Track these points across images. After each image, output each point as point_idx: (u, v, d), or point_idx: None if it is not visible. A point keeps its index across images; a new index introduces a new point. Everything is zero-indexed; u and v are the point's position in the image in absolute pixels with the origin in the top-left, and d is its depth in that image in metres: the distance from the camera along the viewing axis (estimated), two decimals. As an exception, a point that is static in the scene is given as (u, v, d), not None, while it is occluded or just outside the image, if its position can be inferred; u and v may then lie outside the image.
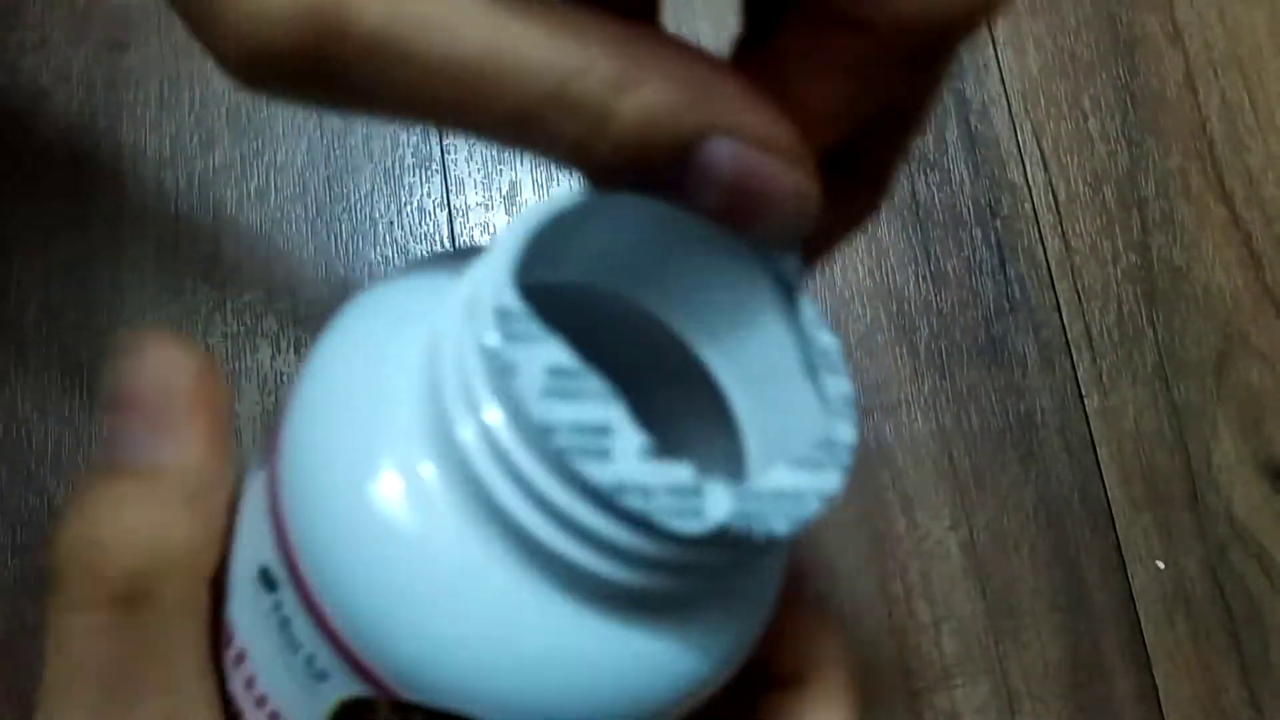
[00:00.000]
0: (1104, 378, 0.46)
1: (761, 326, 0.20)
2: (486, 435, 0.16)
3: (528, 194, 0.46)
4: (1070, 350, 0.46)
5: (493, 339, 0.16)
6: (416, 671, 0.17)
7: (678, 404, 0.22)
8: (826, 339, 0.19)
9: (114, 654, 0.19)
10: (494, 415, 0.16)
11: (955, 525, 0.44)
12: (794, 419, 0.19)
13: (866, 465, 0.44)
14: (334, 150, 0.46)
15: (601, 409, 0.16)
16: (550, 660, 0.17)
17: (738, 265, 0.19)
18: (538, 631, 0.17)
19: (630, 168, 0.17)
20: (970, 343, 0.46)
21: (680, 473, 0.16)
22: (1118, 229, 0.47)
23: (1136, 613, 0.44)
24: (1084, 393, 0.46)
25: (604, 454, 0.16)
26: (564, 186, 0.46)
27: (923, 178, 0.47)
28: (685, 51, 0.18)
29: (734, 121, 0.18)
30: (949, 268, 0.46)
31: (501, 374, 0.16)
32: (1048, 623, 0.43)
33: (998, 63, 0.48)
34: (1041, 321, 0.46)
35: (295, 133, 0.46)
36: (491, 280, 0.17)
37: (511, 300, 0.17)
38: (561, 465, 0.16)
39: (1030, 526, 0.44)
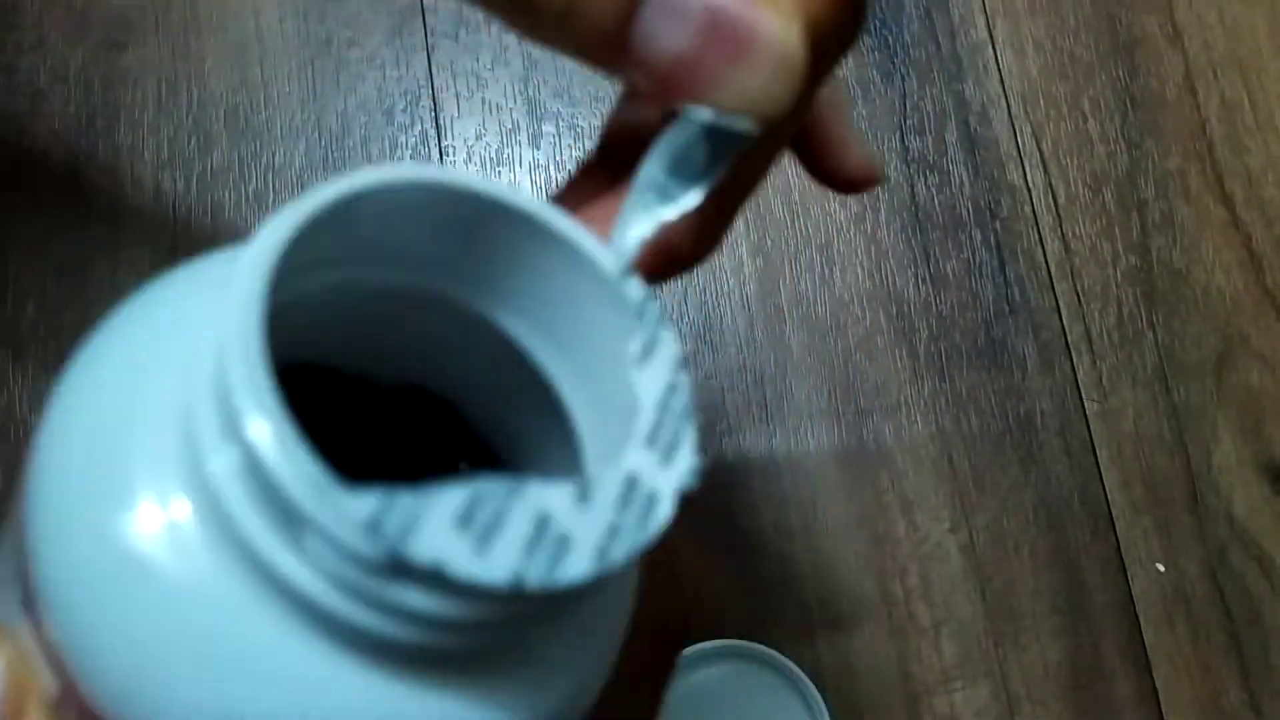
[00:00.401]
0: (1104, 380, 0.46)
1: (586, 313, 0.17)
2: (242, 461, 0.14)
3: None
4: (1070, 352, 0.46)
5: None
6: None
7: (516, 403, 0.20)
8: (637, 299, 0.17)
9: None
10: (258, 430, 0.14)
11: (955, 527, 0.44)
12: (624, 417, 0.17)
13: (866, 467, 0.44)
14: (332, 152, 0.46)
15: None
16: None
17: (557, 253, 0.17)
18: (304, 692, 0.15)
19: (586, 13, 0.16)
20: (970, 345, 0.46)
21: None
22: (1117, 231, 0.47)
23: (1136, 615, 0.44)
24: (1084, 395, 0.45)
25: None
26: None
27: (922, 180, 0.47)
28: None
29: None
30: (948, 270, 0.46)
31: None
32: (1047, 625, 0.43)
33: (997, 64, 0.48)
34: (1041, 323, 0.46)
35: (293, 135, 0.46)
36: (241, 315, 0.14)
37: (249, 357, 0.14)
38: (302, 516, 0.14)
39: (1030, 529, 0.44)
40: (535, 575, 0.14)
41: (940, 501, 0.44)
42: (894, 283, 0.46)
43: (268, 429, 0.14)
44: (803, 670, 0.41)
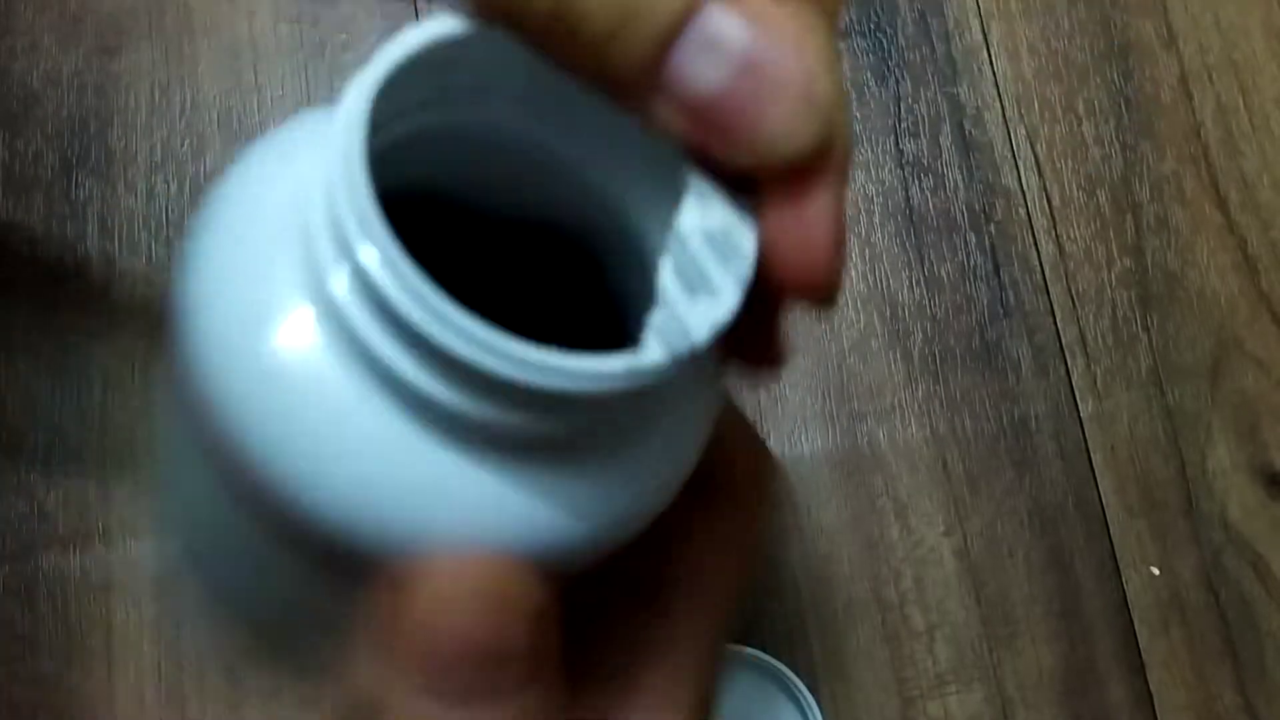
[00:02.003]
0: (1098, 383, 0.46)
1: (670, 190, 0.19)
2: (355, 281, 0.17)
3: (520, 199, 0.46)
4: (1064, 355, 0.46)
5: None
6: (312, 516, 0.18)
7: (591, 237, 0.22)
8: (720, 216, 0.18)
9: None
10: (367, 255, 0.16)
11: (949, 531, 0.44)
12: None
13: (860, 471, 0.44)
14: (326, 155, 0.46)
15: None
16: (427, 501, 0.17)
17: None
18: (414, 475, 0.17)
19: (624, 44, 0.17)
20: (964, 348, 0.46)
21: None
22: (1112, 233, 0.47)
23: (1131, 618, 0.43)
24: (1078, 398, 0.45)
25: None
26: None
27: (916, 183, 0.47)
28: None
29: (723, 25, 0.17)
30: (943, 273, 0.46)
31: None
32: (1042, 629, 0.43)
33: (991, 67, 0.48)
34: (1035, 326, 0.46)
35: (287, 137, 0.46)
36: (346, 140, 0.17)
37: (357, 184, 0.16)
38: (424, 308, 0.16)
39: (1024, 532, 0.44)
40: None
41: (934, 505, 0.44)
42: (888, 286, 0.46)
43: (375, 252, 0.16)
44: (796, 674, 0.41)
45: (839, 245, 0.18)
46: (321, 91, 0.47)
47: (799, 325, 0.45)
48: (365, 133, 0.17)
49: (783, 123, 0.17)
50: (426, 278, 0.16)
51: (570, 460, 0.18)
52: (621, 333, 0.21)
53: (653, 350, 0.17)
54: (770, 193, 0.18)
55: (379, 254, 0.16)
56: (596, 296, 0.23)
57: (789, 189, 0.18)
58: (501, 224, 0.23)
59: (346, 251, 0.16)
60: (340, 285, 0.17)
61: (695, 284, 0.18)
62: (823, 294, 0.18)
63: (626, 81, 0.17)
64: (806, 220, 0.18)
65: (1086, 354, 0.46)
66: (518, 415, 0.17)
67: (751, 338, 0.19)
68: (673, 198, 0.19)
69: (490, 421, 0.17)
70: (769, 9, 0.17)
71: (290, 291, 0.18)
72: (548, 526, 0.18)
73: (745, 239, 0.18)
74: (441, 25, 0.18)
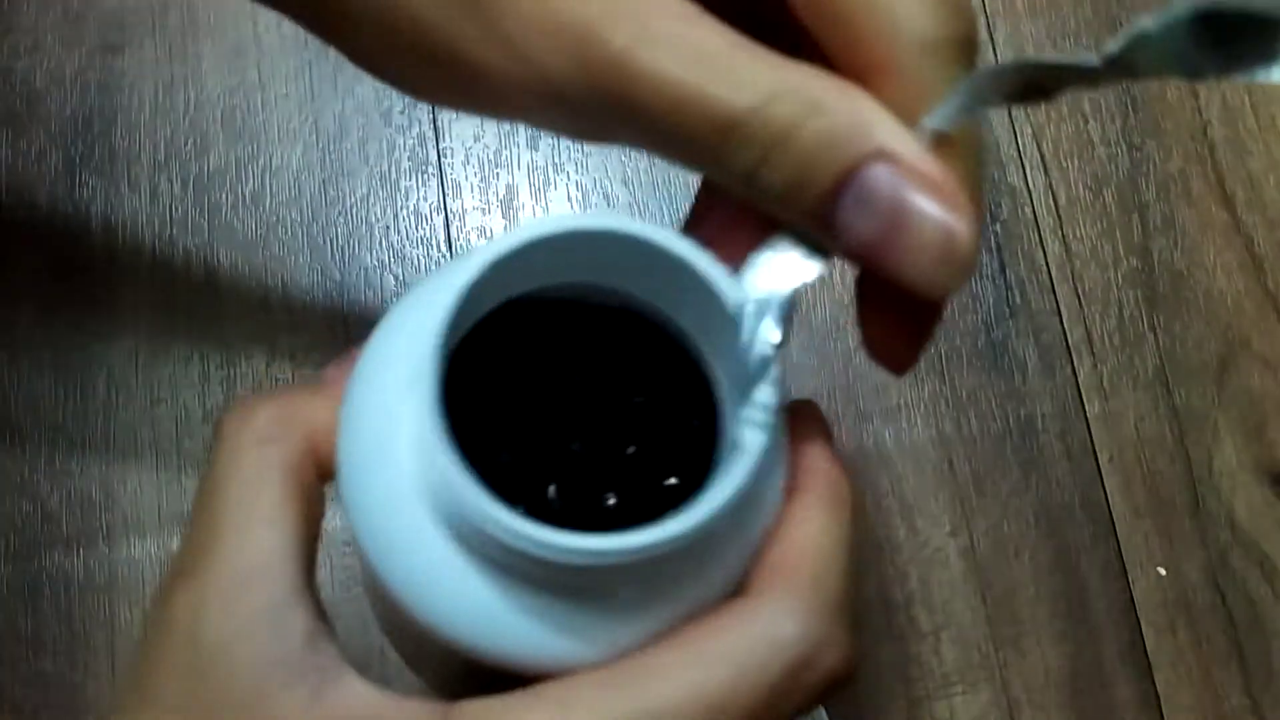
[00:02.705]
0: (1105, 383, 0.45)
1: (714, 322, 0.23)
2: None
3: (524, 198, 0.46)
4: (1071, 355, 0.46)
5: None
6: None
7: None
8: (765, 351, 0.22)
9: (240, 474, 0.24)
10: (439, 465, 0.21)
11: (955, 531, 0.44)
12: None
13: (865, 471, 0.44)
14: (329, 154, 0.46)
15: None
16: (489, 630, 0.22)
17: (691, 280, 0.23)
18: (481, 609, 0.22)
19: (795, 200, 0.21)
20: (970, 347, 0.45)
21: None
22: (1118, 233, 0.47)
23: (1138, 619, 0.43)
24: (1085, 398, 0.45)
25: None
26: (558, 191, 0.46)
27: (922, 181, 0.47)
28: (850, 86, 0.21)
29: (894, 151, 0.20)
30: (949, 272, 0.46)
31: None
32: (1048, 630, 0.43)
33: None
34: (1042, 326, 0.46)
35: (290, 136, 0.46)
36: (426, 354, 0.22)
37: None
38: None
39: (1030, 533, 0.44)
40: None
41: (940, 506, 0.44)
42: (894, 285, 0.46)
43: (446, 464, 0.21)
44: (802, 675, 0.41)
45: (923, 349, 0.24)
46: (325, 90, 0.47)
47: (803, 328, 0.45)
48: (443, 359, 0.21)
49: (925, 274, 0.21)
50: (475, 479, 0.21)
51: (599, 600, 0.22)
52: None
53: (663, 528, 0.20)
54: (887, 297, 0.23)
55: (445, 467, 0.21)
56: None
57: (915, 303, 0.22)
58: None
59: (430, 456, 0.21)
60: (441, 466, 0.21)
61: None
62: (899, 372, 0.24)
63: (810, 225, 0.21)
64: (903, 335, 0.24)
65: (1093, 353, 0.46)
66: (564, 575, 0.21)
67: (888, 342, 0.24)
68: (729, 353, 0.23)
69: (550, 578, 0.21)
70: (921, 165, 0.20)
71: (402, 450, 0.22)
72: (558, 651, 0.22)
73: (752, 447, 0.21)
74: (528, 230, 0.22)
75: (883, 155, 0.20)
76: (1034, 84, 0.21)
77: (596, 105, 0.21)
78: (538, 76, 0.22)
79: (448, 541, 0.22)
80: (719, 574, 0.23)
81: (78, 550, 0.41)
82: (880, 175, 0.20)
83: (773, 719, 0.22)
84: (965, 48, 0.22)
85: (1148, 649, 0.43)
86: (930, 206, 0.20)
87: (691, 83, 0.20)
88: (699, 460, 0.25)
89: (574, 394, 0.26)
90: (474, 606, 0.22)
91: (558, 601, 0.22)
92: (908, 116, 0.21)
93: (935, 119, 0.21)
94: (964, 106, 0.21)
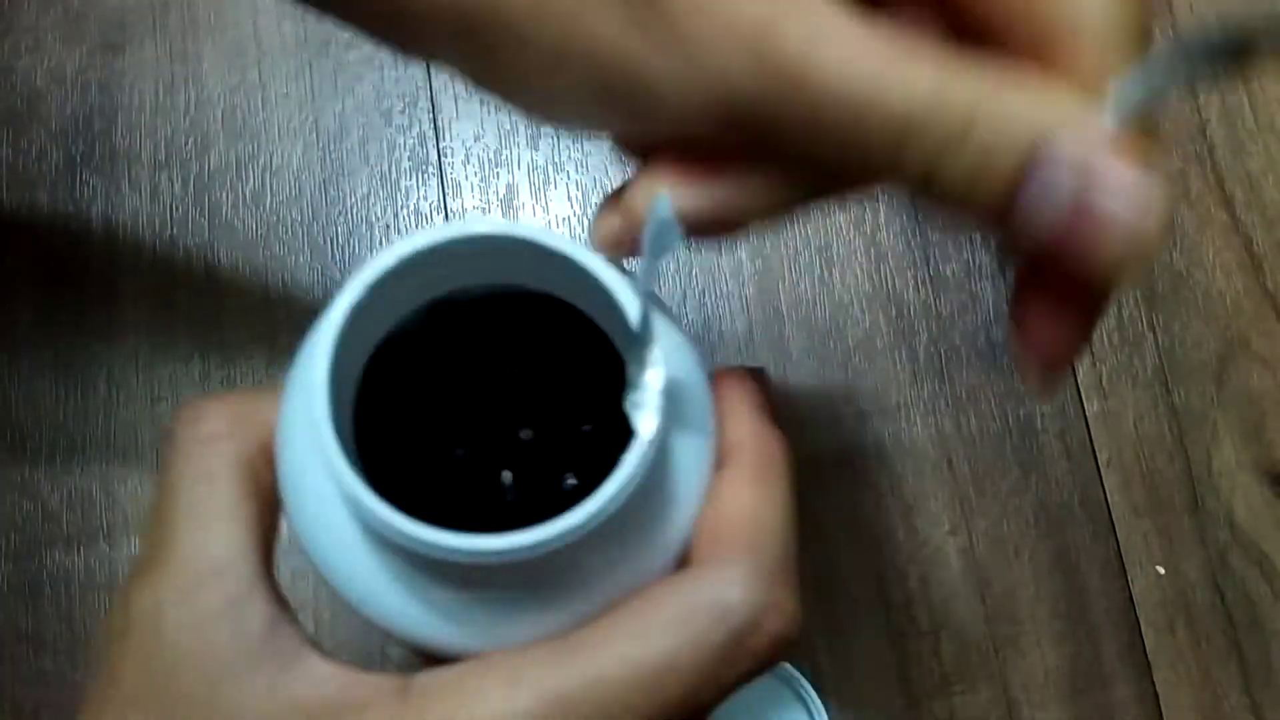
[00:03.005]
0: (1104, 382, 0.46)
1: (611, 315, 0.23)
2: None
3: (525, 197, 0.46)
4: (1070, 355, 0.46)
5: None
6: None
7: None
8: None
9: (192, 472, 0.24)
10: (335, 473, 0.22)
11: (955, 531, 0.44)
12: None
13: (865, 470, 0.44)
14: (329, 153, 0.46)
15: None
16: (419, 622, 0.23)
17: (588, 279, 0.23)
18: (406, 603, 0.23)
19: (977, 195, 0.20)
20: (969, 347, 0.45)
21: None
22: (1118, 233, 0.47)
23: (1137, 619, 0.43)
24: (1084, 397, 0.45)
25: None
26: (557, 190, 0.46)
27: (922, 181, 0.47)
28: (1022, 70, 0.21)
29: (1077, 134, 0.20)
30: (948, 272, 0.46)
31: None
32: (1047, 629, 0.43)
33: (997, 66, 0.48)
34: (1041, 326, 0.46)
35: (291, 136, 0.46)
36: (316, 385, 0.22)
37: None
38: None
39: (1030, 532, 0.44)
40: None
41: (940, 505, 0.44)
42: (893, 285, 0.46)
43: (345, 477, 0.22)
44: (802, 674, 0.41)
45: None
46: (325, 89, 0.47)
47: (803, 328, 0.45)
48: (331, 372, 0.22)
49: (1112, 262, 0.20)
50: (367, 488, 0.21)
51: (530, 588, 0.23)
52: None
53: (553, 525, 0.21)
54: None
55: (340, 477, 0.21)
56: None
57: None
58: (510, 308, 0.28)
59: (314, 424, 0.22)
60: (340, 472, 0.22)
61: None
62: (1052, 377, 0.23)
63: (987, 222, 0.21)
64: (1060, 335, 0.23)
65: (1092, 353, 0.46)
66: (475, 574, 0.22)
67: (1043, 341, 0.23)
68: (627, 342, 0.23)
69: (465, 575, 0.22)
70: (1106, 147, 0.20)
71: (314, 459, 0.23)
72: (512, 639, 0.23)
73: (638, 444, 0.22)
74: (414, 240, 0.23)
75: (1064, 140, 0.19)
76: (1231, 52, 0.19)
77: (770, 109, 0.21)
78: (717, 82, 0.21)
79: (375, 551, 0.23)
80: (647, 558, 0.23)
81: (78, 549, 0.41)
82: (1064, 160, 0.19)
83: (719, 685, 0.22)
84: (1143, 34, 0.21)
85: (1147, 648, 0.43)
86: (1119, 191, 0.19)
87: (868, 80, 0.20)
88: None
89: (511, 382, 0.27)
90: (395, 602, 0.23)
91: (486, 598, 0.23)
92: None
93: (1118, 107, 0.20)
94: (1147, 92, 0.20)
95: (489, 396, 0.28)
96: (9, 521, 0.41)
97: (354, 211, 0.45)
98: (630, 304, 0.22)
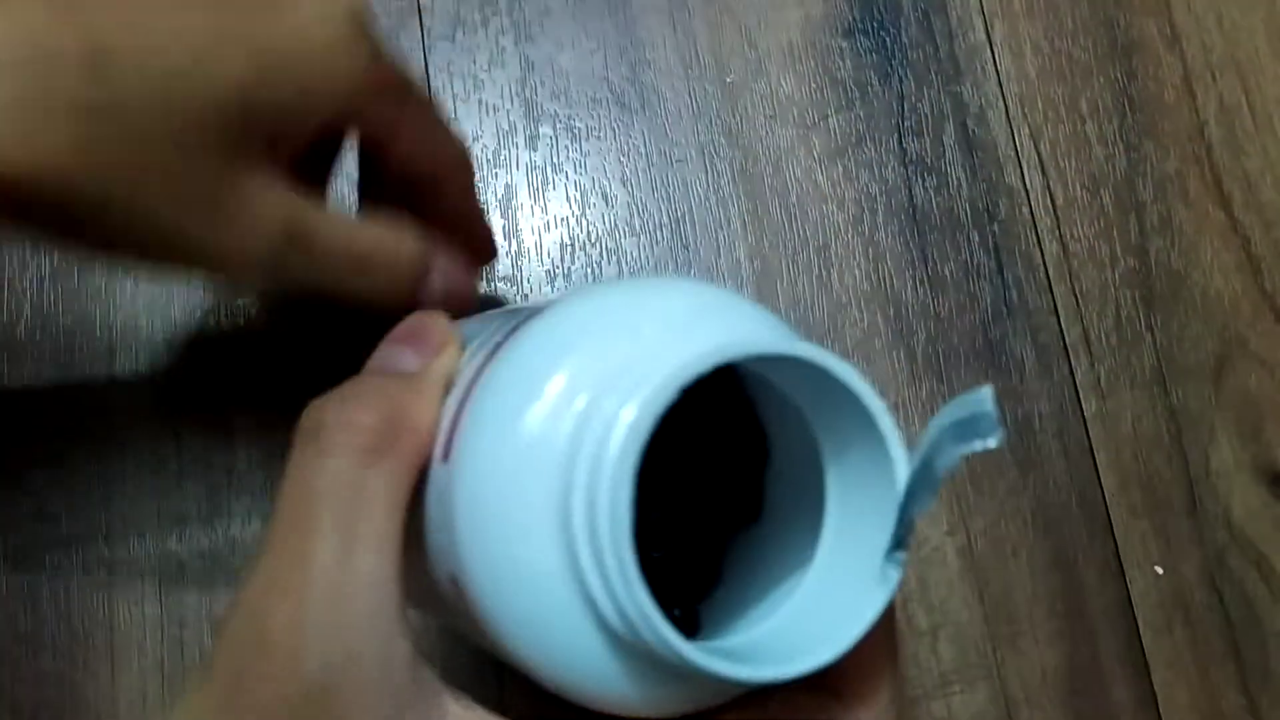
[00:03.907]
0: (1102, 382, 0.46)
1: (874, 474, 0.24)
2: (599, 571, 0.22)
3: (523, 197, 0.46)
4: (1068, 354, 0.46)
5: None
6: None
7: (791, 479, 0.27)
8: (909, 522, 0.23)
9: (346, 490, 0.23)
10: (614, 573, 0.21)
11: (952, 531, 0.44)
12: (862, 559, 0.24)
13: (864, 470, 0.44)
14: (328, 154, 0.46)
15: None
16: (590, 677, 0.23)
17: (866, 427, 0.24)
18: (584, 656, 0.23)
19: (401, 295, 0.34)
20: (968, 347, 0.45)
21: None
22: (1115, 233, 0.47)
23: (1135, 619, 0.43)
24: (1082, 397, 0.45)
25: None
26: (556, 191, 0.46)
27: (920, 182, 0.47)
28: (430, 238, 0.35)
29: (442, 267, 0.35)
30: (946, 272, 0.46)
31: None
32: (1045, 629, 0.43)
33: (995, 66, 0.48)
34: (1039, 325, 0.46)
35: (290, 136, 0.46)
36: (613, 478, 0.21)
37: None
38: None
39: (1028, 532, 0.44)
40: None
41: (937, 505, 0.44)
42: (892, 285, 0.46)
43: (633, 605, 0.21)
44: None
45: None
46: (324, 90, 0.46)
47: (801, 328, 0.45)
48: (634, 476, 0.21)
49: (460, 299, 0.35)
50: (649, 595, 0.21)
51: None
52: None
53: (792, 665, 0.22)
54: None
55: (620, 577, 0.21)
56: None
57: None
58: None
59: (598, 552, 0.21)
60: (586, 557, 0.21)
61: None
62: None
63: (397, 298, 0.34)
64: None
65: (1090, 353, 0.46)
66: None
67: None
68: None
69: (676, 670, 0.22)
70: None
71: (556, 486, 0.22)
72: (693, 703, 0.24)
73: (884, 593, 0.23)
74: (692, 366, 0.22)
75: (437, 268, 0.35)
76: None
77: (289, 258, 0.31)
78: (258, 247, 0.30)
79: (593, 628, 0.22)
80: None
81: (77, 549, 0.41)
82: (436, 277, 0.35)
83: None
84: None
85: (1145, 648, 0.43)
86: (460, 281, 0.37)
87: (349, 238, 0.34)
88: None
89: (669, 477, 0.27)
90: (606, 679, 0.23)
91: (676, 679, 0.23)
92: None
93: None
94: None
95: (662, 494, 0.27)
96: (7, 521, 0.41)
97: (353, 211, 0.45)
98: (901, 463, 0.24)
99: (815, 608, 0.24)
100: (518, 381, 0.23)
